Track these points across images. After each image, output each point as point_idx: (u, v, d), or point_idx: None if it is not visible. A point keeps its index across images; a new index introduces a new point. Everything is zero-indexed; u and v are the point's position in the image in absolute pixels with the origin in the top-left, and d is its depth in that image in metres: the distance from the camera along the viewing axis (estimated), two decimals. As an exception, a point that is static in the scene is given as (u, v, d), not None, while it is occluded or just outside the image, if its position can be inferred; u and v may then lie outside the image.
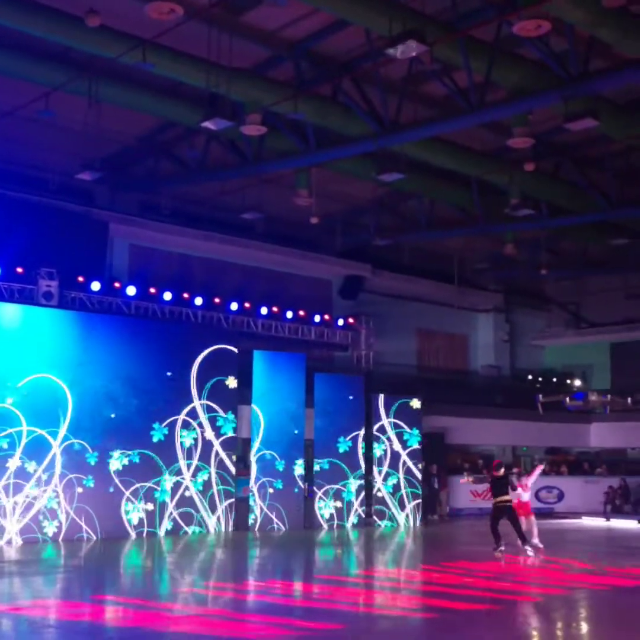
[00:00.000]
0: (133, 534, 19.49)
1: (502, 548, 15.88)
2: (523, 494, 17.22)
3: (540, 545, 16.73)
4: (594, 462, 31.14)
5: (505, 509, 15.96)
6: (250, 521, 21.59)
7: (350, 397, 23.46)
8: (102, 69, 16.36)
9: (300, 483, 22.37)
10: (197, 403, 20.79)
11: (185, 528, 20.29)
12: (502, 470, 16.48)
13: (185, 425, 20.61)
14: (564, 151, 21.45)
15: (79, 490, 18.83)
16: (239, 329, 23.17)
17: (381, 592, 13.36)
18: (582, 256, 29.77)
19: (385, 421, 23.97)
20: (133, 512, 19.62)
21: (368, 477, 23.74)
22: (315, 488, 22.74)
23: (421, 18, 14.62)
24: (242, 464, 22.42)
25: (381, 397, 24.05)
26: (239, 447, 22.03)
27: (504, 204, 21.78)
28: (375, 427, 23.92)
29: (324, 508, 22.78)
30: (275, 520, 21.90)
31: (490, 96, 16.58)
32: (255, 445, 21.94)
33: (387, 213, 25.94)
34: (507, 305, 33.72)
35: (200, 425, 20.80)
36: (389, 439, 24.01)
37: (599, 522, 25.72)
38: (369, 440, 23.87)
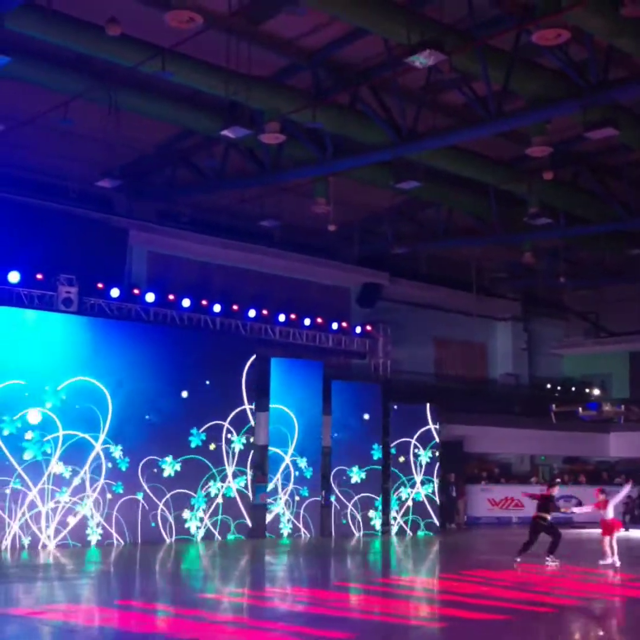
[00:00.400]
0: (169, 539, 19.71)
1: (518, 560, 16.01)
2: (606, 512, 16.92)
3: (618, 564, 16.40)
4: (613, 472, 30.94)
5: (542, 526, 16.34)
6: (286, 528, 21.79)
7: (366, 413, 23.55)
8: (122, 78, 16.50)
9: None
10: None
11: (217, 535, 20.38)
12: (556, 489, 17.06)
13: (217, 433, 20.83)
14: (583, 160, 21.39)
15: (109, 496, 19.05)
16: (256, 336, 23.22)
17: (397, 600, 13.33)
18: (600, 265, 29.65)
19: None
20: (172, 518, 19.85)
21: (385, 485, 23.71)
22: (338, 496, 22.77)
23: (439, 27, 14.63)
24: (260, 470, 22.46)
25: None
26: (256, 454, 22.06)
27: (522, 212, 21.73)
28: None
29: (342, 516, 22.81)
30: (301, 527, 22.02)
31: (509, 105, 16.55)
32: (289, 451, 22.19)
33: (405, 221, 25.93)
34: (525, 314, 33.61)
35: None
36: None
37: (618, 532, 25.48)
38: (386, 449, 23.84)
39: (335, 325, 24.70)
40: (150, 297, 21.46)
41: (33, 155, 21.07)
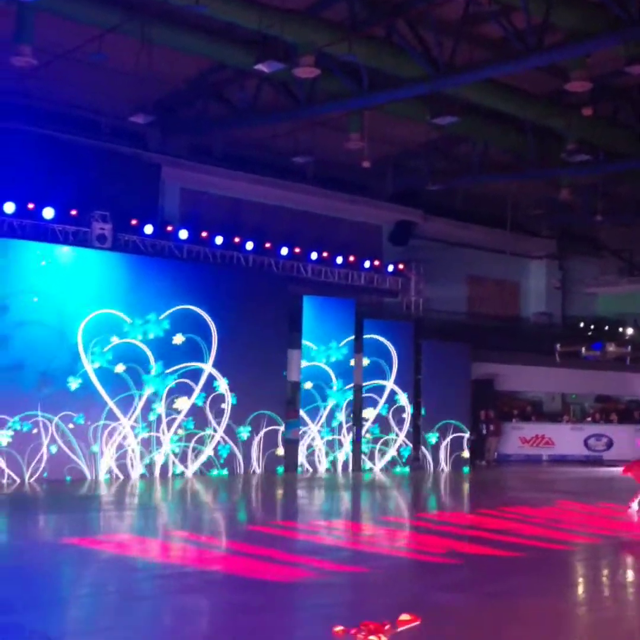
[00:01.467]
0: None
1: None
2: None
3: None
4: (645, 411, 30.91)
5: None
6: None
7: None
8: (154, 11, 16.26)
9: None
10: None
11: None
12: None
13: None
14: (622, 95, 20.90)
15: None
16: (288, 273, 23.20)
17: (421, 535, 13.53)
18: (638, 202, 29.19)
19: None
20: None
21: (416, 422, 23.86)
22: (367, 433, 22.97)
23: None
24: (292, 406, 22.66)
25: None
26: (288, 390, 22.23)
27: (560, 148, 21.38)
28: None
29: (374, 452, 23.03)
30: (324, 462, 22.23)
31: (548, 38, 16.12)
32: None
33: (440, 157, 25.58)
34: (560, 252, 33.24)
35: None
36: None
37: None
38: (418, 387, 23.92)
39: (367, 264, 24.59)
40: (183, 234, 21.46)
41: (66, 90, 20.95)
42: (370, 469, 22.87)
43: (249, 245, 22.47)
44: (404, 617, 8.06)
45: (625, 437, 28.72)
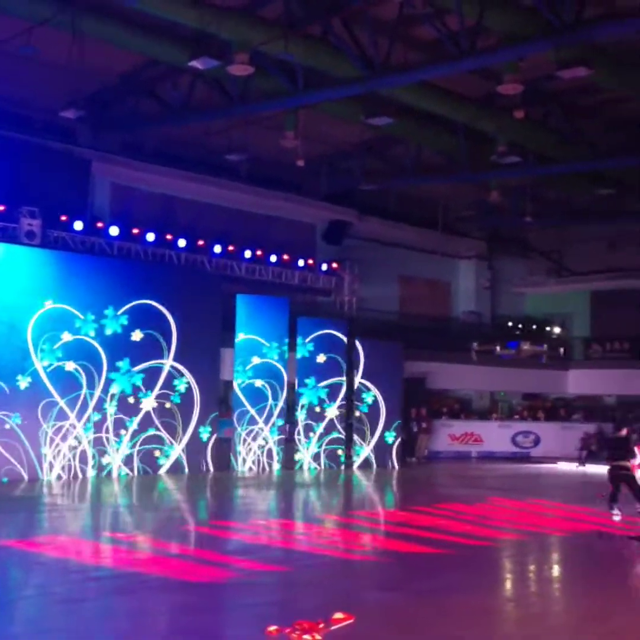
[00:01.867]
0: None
1: (616, 514, 14.55)
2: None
3: None
4: (571, 409, 31.56)
5: (620, 476, 14.37)
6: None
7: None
8: (87, 4, 15.99)
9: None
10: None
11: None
12: (625, 430, 15.16)
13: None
14: (553, 99, 21.27)
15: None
16: (221, 272, 23.09)
17: (351, 533, 13.60)
18: (566, 205, 29.81)
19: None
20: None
21: (349, 421, 23.99)
22: (299, 430, 22.99)
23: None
24: (225, 405, 22.58)
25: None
26: (221, 389, 22.12)
27: (491, 151, 21.64)
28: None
29: (305, 449, 23.06)
30: (260, 460, 22.18)
31: (482, 42, 16.32)
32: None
33: (374, 158, 25.71)
34: (489, 252, 33.73)
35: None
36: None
37: (574, 468, 26.16)
38: (351, 385, 24.05)
39: (301, 263, 24.62)
40: (114, 231, 21.19)
41: (-5, 84, 20.48)
42: (314, 468, 22.91)
43: (182, 243, 22.29)
44: (338, 615, 8.12)
45: (552, 434, 29.35)
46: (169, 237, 22.14)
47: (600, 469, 24.98)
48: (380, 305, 28.34)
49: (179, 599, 8.83)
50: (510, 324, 33.12)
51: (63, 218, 20.25)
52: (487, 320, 33.50)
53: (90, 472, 19.19)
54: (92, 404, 19.20)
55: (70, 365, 18.93)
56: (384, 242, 29.50)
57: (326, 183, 26.63)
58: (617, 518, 14.41)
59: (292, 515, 16.16)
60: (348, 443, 23.94)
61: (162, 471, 20.28)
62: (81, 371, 19.07)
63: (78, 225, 20.44)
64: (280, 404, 22.49)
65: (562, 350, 30.36)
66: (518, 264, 35.00)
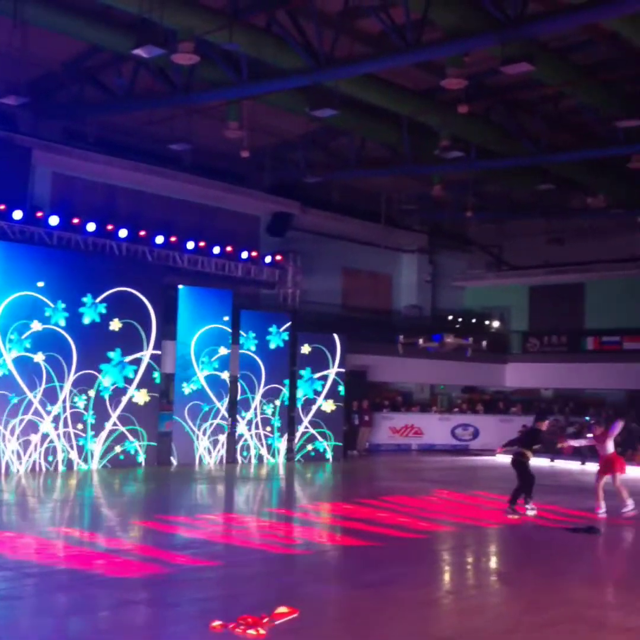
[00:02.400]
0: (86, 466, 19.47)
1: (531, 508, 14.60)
2: (605, 447, 14.76)
3: (633, 511, 14.49)
4: (509, 402, 32.00)
5: (515, 462, 14.75)
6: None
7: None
8: (28, -11, 15.65)
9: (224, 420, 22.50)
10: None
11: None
12: (545, 423, 15.40)
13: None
14: (496, 94, 21.50)
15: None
16: (164, 263, 22.82)
17: (289, 526, 13.68)
18: (507, 200, 30.18)
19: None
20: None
21: (291, 414, 23.97)
22: (239, 424, 22.89)
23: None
24: (165, 399, 22.37)
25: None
26: (162, 382, 21.90)
27: (434, 145, 21.78)
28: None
29: (249, 443, 23.00)
30: (201, 454, 22.02)
31: (427, 35, 16.41)
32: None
33: (318, 149, 25.71)
34: (431, 246, 33.98)
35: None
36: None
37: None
38: (294, 378, 24.04)
39: (244, 254, 24.46)
40: (54, 220, 20.76)
41: None
42: (257, 461, 22.85)
43: (123, 233, 21.95)
44: (281, 609, 8.10)
45: (490, 427, 29.70)
46: (110, 227, 21.80)
47: (538, 461, 25.51)
48: (323, 298, 28.36)
49: (121, 595, 8.72)
50: (450, 317, 33.45)
51: (1, 207, 19.81)
52: (428, 313, 33.76)
53: (59, 467, 19.17)
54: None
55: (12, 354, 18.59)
56: (328, 234, 29.52)
57: (270, 174, 26.54)
58: (531, 513, 14.41)
59: (234, 509, 16.09)
60: (290, 437, 23.92)
61: (119, 465, 20.17)
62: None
63: (17, 215, 19.99)
64: (226, 398, 22.43)
65: (484, 343, 30.42)
66: (458, 258, 35.34)
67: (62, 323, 19.53)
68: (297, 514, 14.99)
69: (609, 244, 31.41)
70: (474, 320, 33.59)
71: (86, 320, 19.99)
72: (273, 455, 23.38)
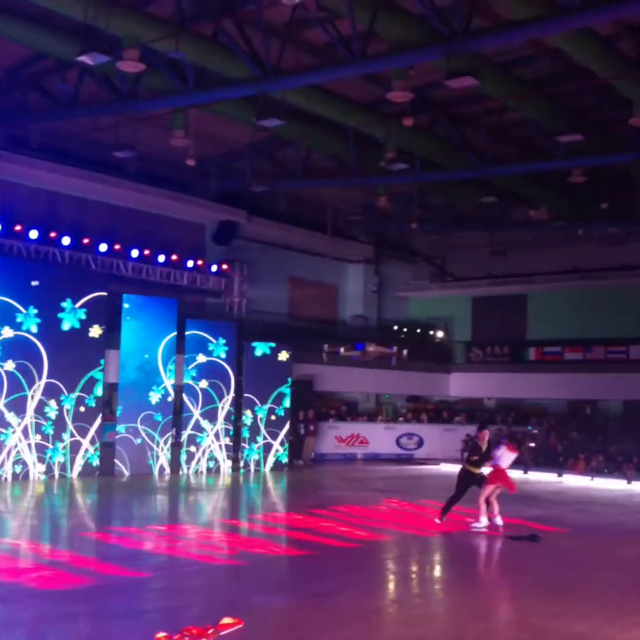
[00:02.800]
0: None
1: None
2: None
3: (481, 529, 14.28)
4: (452, 411, 32.29)
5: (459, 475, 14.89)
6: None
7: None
8: (-30, -8, 15.41)
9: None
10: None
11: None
12: (485, 432, 15.04)
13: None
14: (440, 107, 21.71)
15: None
16: (108, 271, 22.61)
17: (225, 537, 13.59)
18: (450, 212, 30.51)
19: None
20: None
21: (237, 423, 23.87)
22: (183, 434, 22.72)
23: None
24: (108, 409, 22.11)
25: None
26: (105, 392, 21.65)
27: (380, 156, 21.92)
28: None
29: (191, 454, 22.84)
30: (144, 465, 21.79)
31: (373, 47, 16.52)
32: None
33: (264, 159, 25.71)
34: (377, 257, 34.20)
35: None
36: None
37: (456, 468, 26.70)
38: (239, 387, 23.94)
39: (190, 263, 24.38)
40: (-5, 227, 20.52)
41: None
42: (203, 472, 22.69)
43: (66, 241, 21.74)
44: (226, 620, 8.05)
45: (435, 436, 29.96)
46: (52, 234, 21.54)
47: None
48: (269, 307, 28.34)
49: (62, 607, 8.58)
50: (395, 327, 33.68)
51: (-60, 213, 19.48)
52: (373, 323, 33.95)
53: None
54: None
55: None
56: (274, 243, 29.54)
57: (216, 183, 26.45)
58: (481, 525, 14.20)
59: (179, 520, 15.94)
60: (236, 447, 23.82)
61: (75, 474, 20.17)
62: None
63: (-43, 221, 19.71)
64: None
65: (405, 352, 30.44)
66: (403, 269, 35.63)
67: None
68: (243, 524, 14.93)
69: (551, 256, 31.95)
70: (418, 330, 33.88)
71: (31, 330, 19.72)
72: (218, 466, 23.25)
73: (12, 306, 19.35)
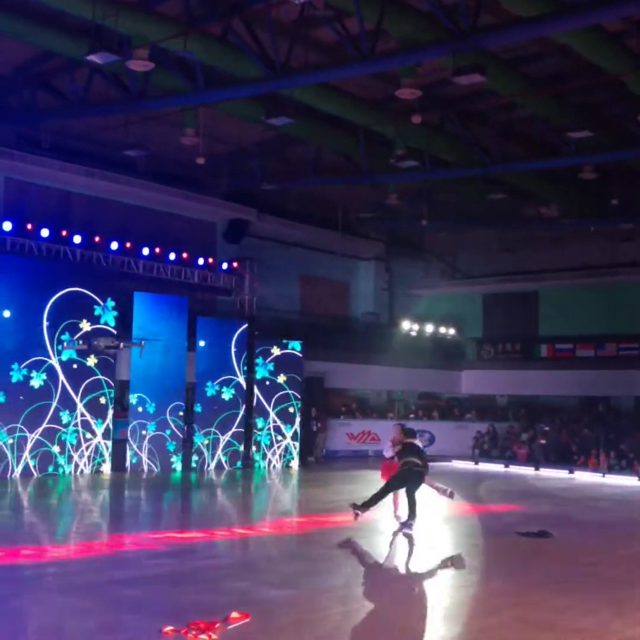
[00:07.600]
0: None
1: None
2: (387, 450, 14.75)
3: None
4: (464, 408, 32.27)
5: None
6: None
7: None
8: (-19, -8, 15.52)
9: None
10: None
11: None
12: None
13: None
14: (449, 104, 21.70)
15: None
16: (119, 269, 22.72)
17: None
18: (460, 209, 30.46)
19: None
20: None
21: (249, 420, 23.96)
22: (196, 430, 22.83)
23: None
24: (120, 406, 22.24)
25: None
26: (117, 389, 21.79)
27: (389, 154, 21.96)
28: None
29: (204, 451, 22.94)
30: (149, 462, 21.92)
31: (381, 46, 16.56)
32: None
33: (274, 157, 25.76)
34: (387, 254, 34.21)
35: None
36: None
37: (467, 466, 26.77)
38: (251, 384, 24.03)
39: (201, 261, 24.45)
40: (7, 226, 20.63)
41: None
42: (215, 468, 22.80)
43: (77, 239, 21.84)
44: (234, 614, 8.13)
45: (446, 433, 29.95)
46: (64, 233, 21.67)
47: (493, 467, 25.78)
48: (280, 305, 28.40)
49: (67, 600, 8.66)
50: (406, 325, 33.64)
51: (-47, 212, 19.64)
52: (385, 320, 33.98)
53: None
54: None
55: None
56: (285, 241, 29.60)
57: (226, 181, 26.51)
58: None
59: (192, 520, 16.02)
60: (247, 443, 23.91)
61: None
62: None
63: (-31, 220, 19.84)
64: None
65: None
66: (414, 266, 35.59)
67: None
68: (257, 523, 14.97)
69: (561, 253, 31.87)
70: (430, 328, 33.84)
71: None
72: (231, 462, 23.35)
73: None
